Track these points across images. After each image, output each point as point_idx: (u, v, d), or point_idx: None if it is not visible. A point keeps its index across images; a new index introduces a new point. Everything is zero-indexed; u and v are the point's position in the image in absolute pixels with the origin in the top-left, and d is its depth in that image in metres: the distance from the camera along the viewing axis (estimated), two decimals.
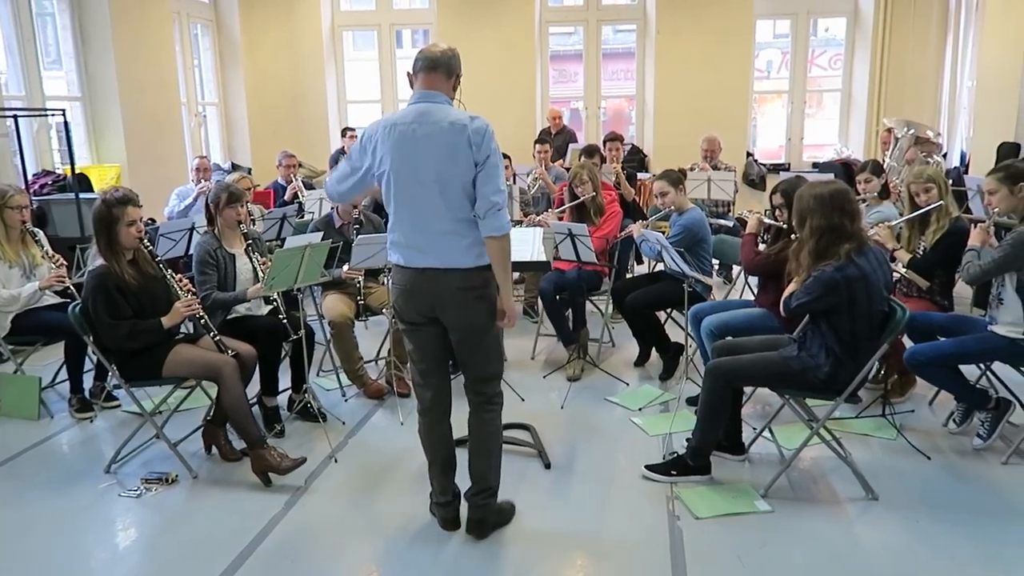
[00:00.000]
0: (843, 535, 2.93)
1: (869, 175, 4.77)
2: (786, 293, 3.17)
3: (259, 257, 3.95)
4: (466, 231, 2.62)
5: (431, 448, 2.92)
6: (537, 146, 7.39)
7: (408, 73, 2.73)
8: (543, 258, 3.38)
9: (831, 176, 6.34)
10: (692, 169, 7.21)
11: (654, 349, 4.79)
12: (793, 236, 3.70)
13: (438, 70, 2.64)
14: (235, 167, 9.21)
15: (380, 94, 10.21)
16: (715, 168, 7.02)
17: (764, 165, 9.87)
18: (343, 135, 8.89)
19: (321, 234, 3.92)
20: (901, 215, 4.26)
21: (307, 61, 9.77)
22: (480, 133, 2.56)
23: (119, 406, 4.34)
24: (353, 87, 10.36)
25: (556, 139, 8.59)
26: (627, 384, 4.51)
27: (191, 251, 4.64)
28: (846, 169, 8.07)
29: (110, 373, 4.31)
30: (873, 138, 9.65)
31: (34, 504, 3.30)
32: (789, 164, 10.03)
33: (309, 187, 7.16)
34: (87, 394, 4.32)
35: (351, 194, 2.94)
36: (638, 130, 10.22)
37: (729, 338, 3.77)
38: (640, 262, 6.66)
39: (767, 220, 3.98)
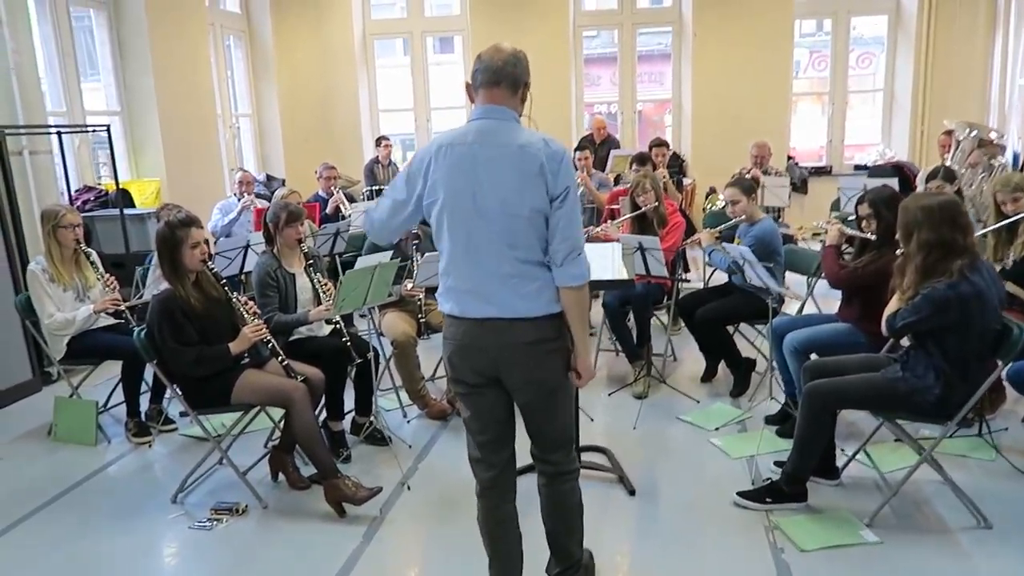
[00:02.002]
0: (961, 569, 2.75)
1: (941, 181, 4.59)
2: (888, 310, 3.00)
3: (320, 277, 3.83)
4: (534, 274, 2.18)
5: (493, 540, 2.43)
6: (577, 153, 7.24)
7: (466, 83, 2.28)
8: (624, 275, 3.22)
9: (885, 180, 6.17)
10: (742, 175, 7.05)
11: (721, 364, 4.62)
12: (877, 247, 3.56)
13: (501, 84, 2.19)
14: (270, 178, 9.14)
15: (413, 102, 10.10)
16: (766, 173, 6.84)
17: (805, 168, 9.66)
18: (377, 144, 8.79)
19: (390, 253, 3.78)
20: (979, 223, 4.08)
21: (339, 70, 9.68)
22: (557, 159, 2.14)
23: (176, 429, 4.24)
24: (385, 96, 10.26)
25: (600, 149, 8.45)
26: (697, 401, 4.34)
27: (246, 268, 4.54)
28: (898, 172, 7.85)
29: (168, 396, 4.26)
30: (918, 139, 9.43)
31: (103, 537, 3.19)
32: (831, 167, 9.81)
33: (351, 199, 7.06)
34: (143, 417, 4.22)
35: (397, 233, 2.51)
36: (674, 134, 10.03)
37: (815, 357, 3.62)
38: (687, 270, 6.49)
39: (849, 231, 3.80)
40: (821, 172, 9.62)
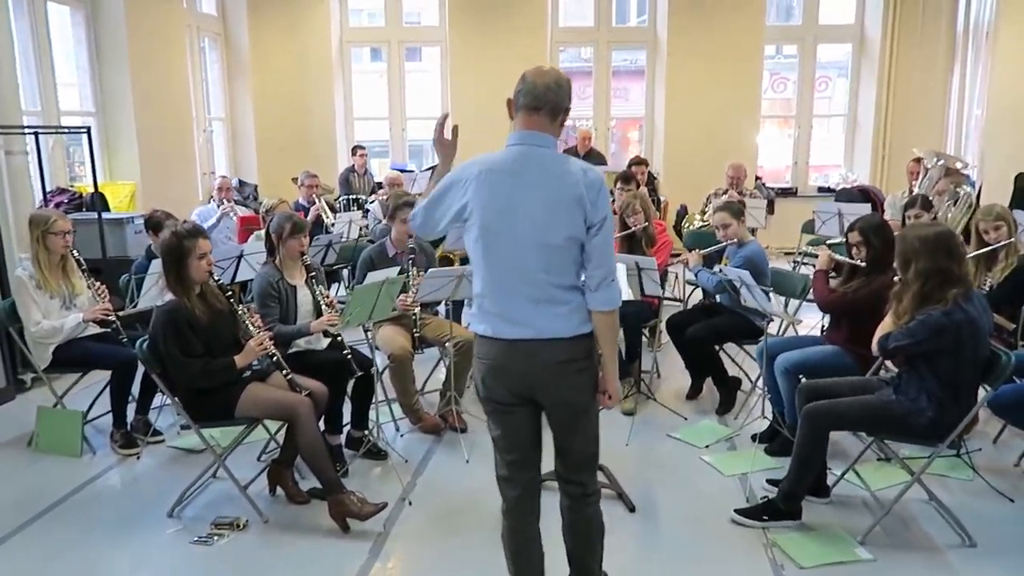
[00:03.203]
0: None
1: (919, 210, 4.78)
2: (880, 332, 3.13)
3: (321, 289, 3.82)
4: (567, 298, 2.23)
5: (516, 557, 2.45)
6: None
7: (509, 100, 2.28)
8: (630, 296, 3.30)
9: (857, 205, 6.39)
10: (717, 195, 7.22)
11: (705, 381, 4.72)
12: (866, 273, 3.71)
13: (542, 111, 2.21)
14: (242, 183, 9.01)
15: (388, 111, 10.08)
16: (741, 195, 7.02)
17: (772, 189, 9.91)
18: (353, 153, 8.76)
19: (397, 269, 3.79)
20: None
21: (315, 77, 9.61)
22: (596, 188, 2.19)
23: (163, 441, 4.16)
24: (358, 102, 10.22)
25: (588, 160, 8.54)
26: (685, 418, 4.44)
27: (237, 278, 4.49)
28: (865, 196, 8.13)
29: (155, 406, 4.19)
30: (879, 163, 9.78)
31: (101, 552, 3.13)
32: (796, 188, 10.10)
33: (330, 207, 7.02)
34: (129, 428, 4.13)
35: (444, 231, 2.53)
36: (646, 152, 10.21)
37: (803, 378, 3.74)
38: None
39: (838, 257, 3.95)
40: (787, 193, 9.89)
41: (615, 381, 2.35)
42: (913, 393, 3.06)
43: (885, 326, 3.13)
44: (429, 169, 9.31)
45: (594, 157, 8.59)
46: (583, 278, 2.26)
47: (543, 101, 2.21)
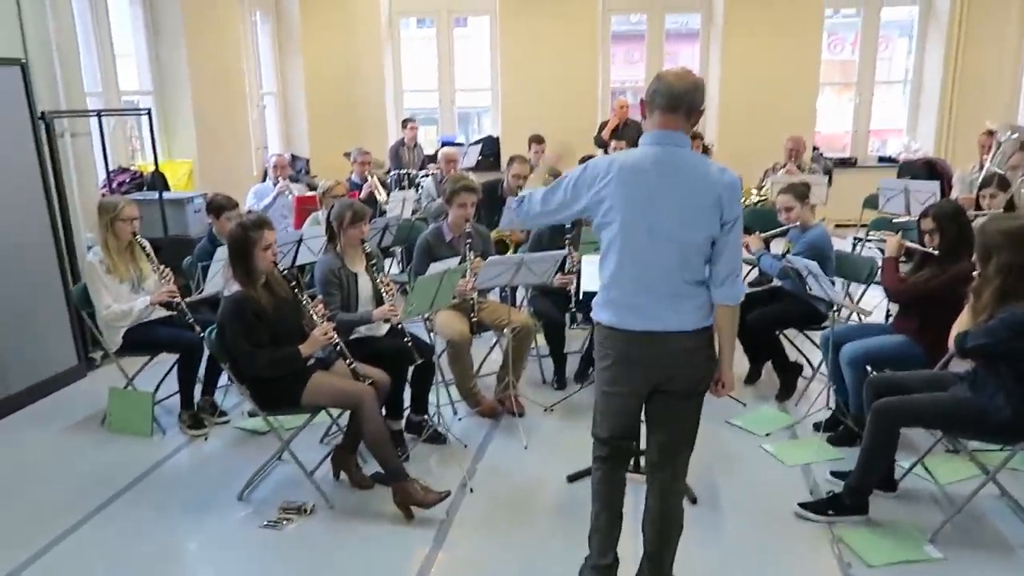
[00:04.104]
0: None
1: (995, 189, 4.60)
2: (957, 329, 3.03)
3: (382, 276, 3.84)
4: (695, 293, 2.38)
5: (603, 498, 2.63)
6: (613, 143, 7.23)
7: (642, 100, 2.42)
8: None
9: (924, 182, 6.17)
10: (775, 170, 7.05)
11: (765, 366, 4.66)
12: (939, 262, 3.59)
13: (678, 111, 2.31)
14: (294, 158, 9.09)
15: (437, 82, 10.03)
16: (800, 169, 6.85)
17: (830, 159, 9.64)
18: (403, 126, 8.75)
19: (457, 259, 3.79)
20: None
21: (365, 48, 9.59)
22: (732, 189, 2.33)
23: (228, 422, 4.28)
24: (409, 73, 10.18)
25: (625, 132, 8.36)
26: (744, 404, 4.38)
27: (297, 262, 4.54)
28: (931, 170, 7.84)
29: (220, 385, 4.30)
30: (944, 132, 9.41)
31: (178, 533, 3.25)
32: (856, 158, 9.80)
33: (383, 184, 7.04)
34: (195, 408, 4.25)
35: (547, 223, 2.73)
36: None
37: (871, 369, 3.67)
38: None
39: (909, 244, 3.83)
40: (846, 163, 9.61)
41: (730, 371, 2.52)
42: (990, 391, 2.96)
43: (962, 322, 3.02)
44: (477, 142, 9.29)
45: (631, 128, 8.14)
46: (707, 273, 2.40)
47: (681, 102, 2.31)
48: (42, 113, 4.83)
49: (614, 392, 2.50)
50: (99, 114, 5.57)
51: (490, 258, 3.87)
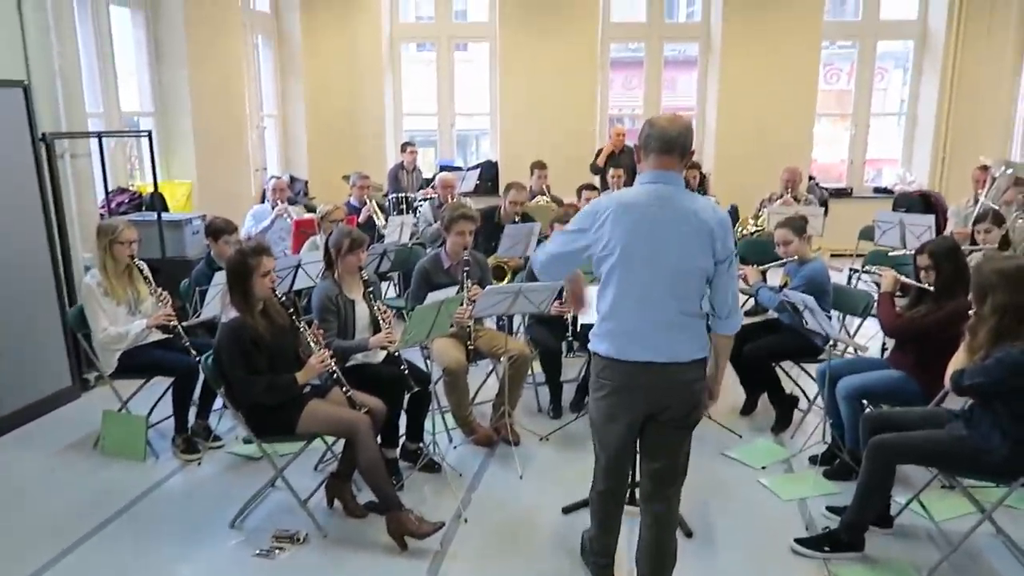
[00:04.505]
0: None
1: (990, 225, 4.63)
2: (953, 366, 3.03)
3: (379, 304, 3.85)
4: (689, 324, 2.51)
5: (605, 522, 2.82)
6: (611, 170, 7.28)
7: (636, 147, 2.59)
8: None
9: (919, 215, 6.20)
10: (771, 200, 7.10)
11: (761, 398, 4.66)
12: (935, 298, 3.61)
13: (673, 153, 2.48)
14: (293, 180, 9.12)
15: (437, 107, 10.10)
16: (796, 200, 6.89)
17: (826, 189, 9.70)
18: (403, 150, 8.78)
19: (455, 288, 3.80)
20: None
21: (366, 73, 9.65)
22: (725, 226, 2.48)
23: (223, 446, 4.26)
24: (408, 96, 10.26)
25: (621, 159, 8.41)
26: (740, 436, 4.38)
27: (295, 286, 4.54)
28: (926, 203, 7.90)
29: (214, 409, 4.28)
30: (939, 165, 9.49)
31: (169, 562, 3.22)
32: (851, 188, 9.87)
33: (381, 208, 7.06)
34: (190, 433, 4.23)
35: (560, 275, 2.81)
36: (696, 149, 10.05)
37: (868, 404, 3.67)
38: None
39: (904, 279, 3.85)
40: (842, 193, 9.66)
41: (718, 385, 2.68)
42: (985, 429, 2.97)
43: (958, 360, 3.03)
44: (476, 167, 9.33)
45: (627, 155, 8.08)
46: (706, 307, 2.55)
47: (675, 144, 2.47)
48: (43, 134, 4.85)
49: (612, 422, 2.58)
50: (100, 136, 5.59)
51: (488, 287, 3.88)
